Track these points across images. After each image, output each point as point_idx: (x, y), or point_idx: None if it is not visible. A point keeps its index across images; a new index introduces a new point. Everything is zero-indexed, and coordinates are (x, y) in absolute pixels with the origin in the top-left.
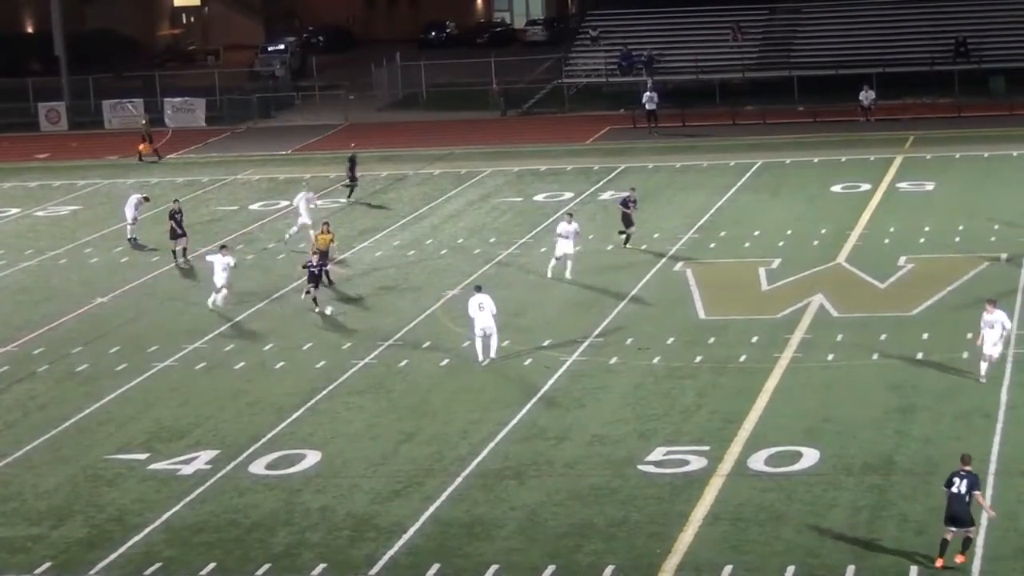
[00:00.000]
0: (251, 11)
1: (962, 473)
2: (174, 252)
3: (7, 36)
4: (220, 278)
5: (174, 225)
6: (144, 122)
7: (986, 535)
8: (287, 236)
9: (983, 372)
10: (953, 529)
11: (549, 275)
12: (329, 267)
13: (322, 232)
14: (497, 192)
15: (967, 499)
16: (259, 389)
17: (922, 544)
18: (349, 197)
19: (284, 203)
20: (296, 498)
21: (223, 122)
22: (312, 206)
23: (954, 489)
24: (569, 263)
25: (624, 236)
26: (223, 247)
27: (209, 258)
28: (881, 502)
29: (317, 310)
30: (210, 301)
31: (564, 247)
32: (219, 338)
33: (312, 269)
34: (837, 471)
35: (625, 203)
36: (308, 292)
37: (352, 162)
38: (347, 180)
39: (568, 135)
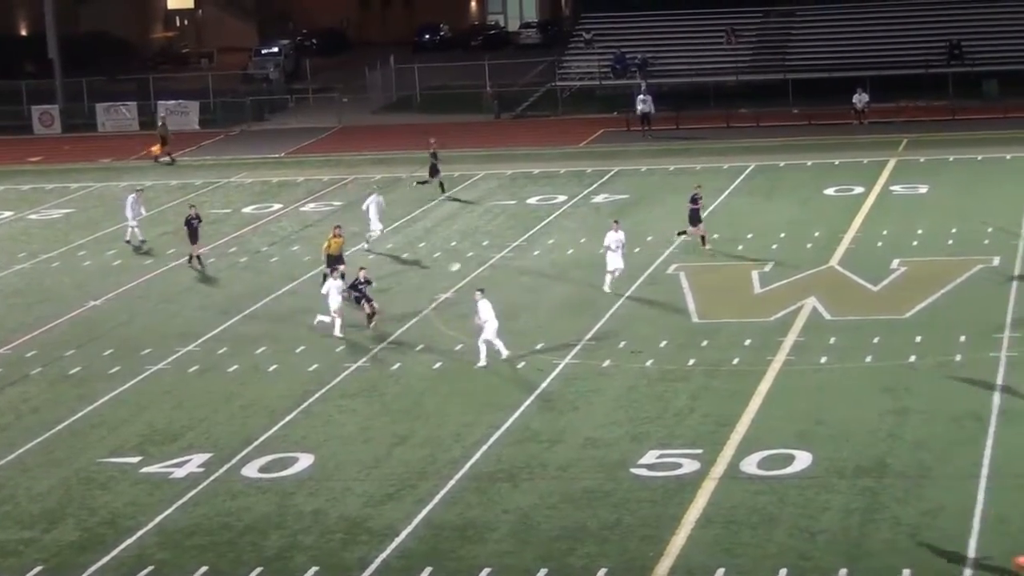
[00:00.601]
0: (245, 14)
1: None
2: (193, 256)
3: (0, 38)
4: (335, 301)
5: (189, 231)
6: (161, 123)
7: (978, 539)
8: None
9: None
10: None
11: (607, 289)
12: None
13: (334, 236)
14: (490, 195)
15: None
16: (252, 392)
17: (915, 547)
18: (443, 191)
19: (277, 206)
20: (289, 501)
21: (216, 125)
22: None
23: None
24: (615, 275)
25: (701, 237)
26: (334, 269)
27: (324, 290)
28: (874, 505)
29: (371, 326)
30: (336, 333)
31: (615, 261)
32: (212, 341)
33: (361, 287)
34: (830, 474)
35: (694, 200)
36: (364, 309)
37: (435, 158)
38: (428, 177)
39: (562, 138)
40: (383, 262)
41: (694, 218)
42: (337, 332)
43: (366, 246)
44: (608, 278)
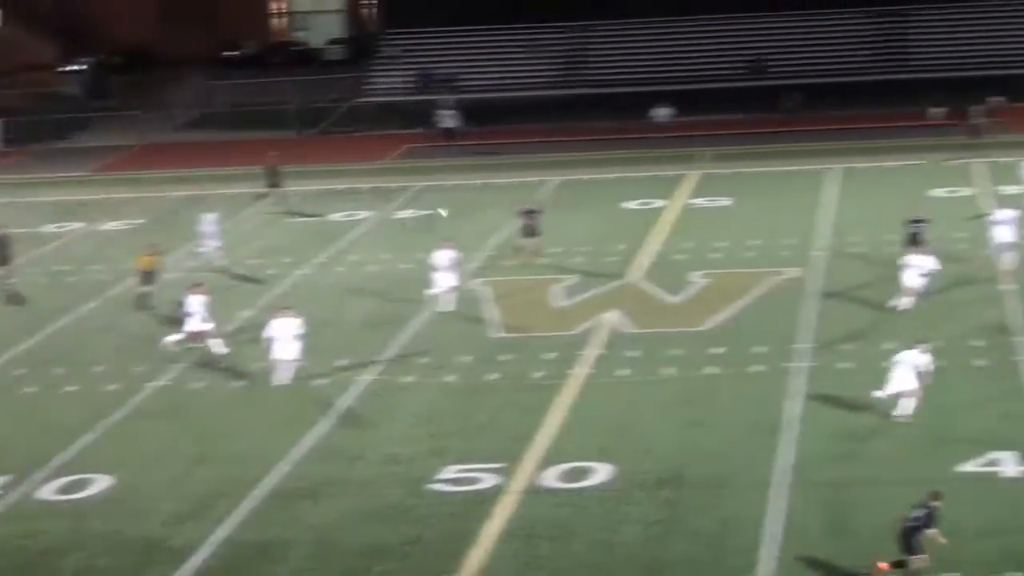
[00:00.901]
0: (47, 31)
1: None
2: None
3: None
4: (196, 322)
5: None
6: None
7: (776, 548)
8: (204, 255)
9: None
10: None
11: (446, 309)
12: (153, 290)
13: (147, 253)
14: (294, 211)
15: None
16: (50, 413)
17: (713, 558)
18: (272, 206)
19: (78, 225)
20: (87, 522)
21: (17, 144)
22: (214, 228)
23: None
24: (450, 296)
25: (524, 250)
26: (197, 285)
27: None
28: (672, 516)
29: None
30: (171, 339)
31: (445, 280)
32: (9, 362)
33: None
34: (630, 486)
35: (528, 214)
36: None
37: (272, 173)
38: (266, 190)
39: (367, 154)
40: (185, 280)
41: (529, 231)
42: (216, 349)
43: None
44: (441, 297)
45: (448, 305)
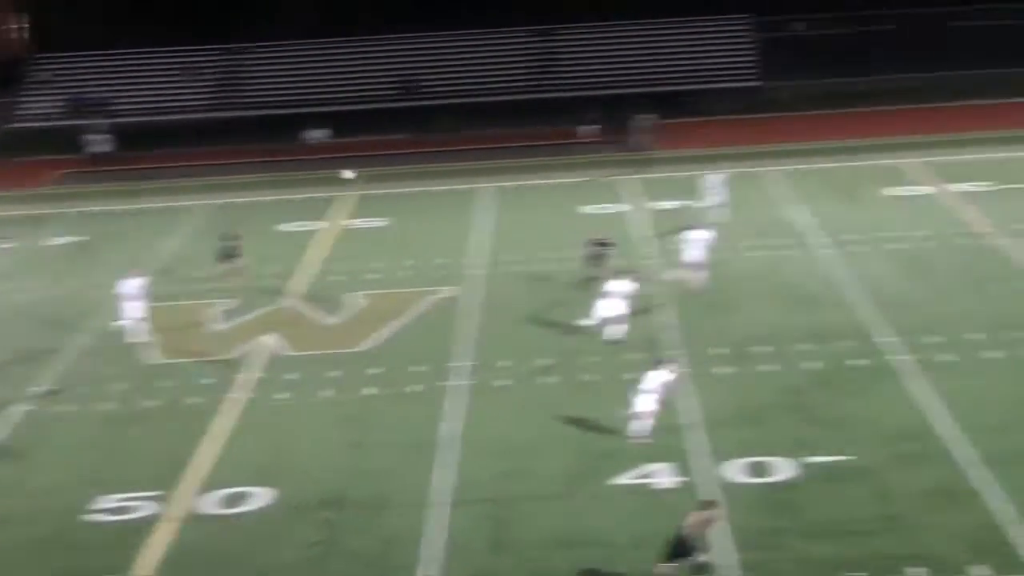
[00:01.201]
0: None
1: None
2: None
3: None
4: None
5: None
6: None
7: (444, 566)
8: None
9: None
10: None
11: (142, 339)
12: None
13: None
14: None
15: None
16: None
17: None
18: None
19: None
20: None
21: None
22: None
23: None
24: (144, 324)
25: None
26: None
27: None
28: (333, 538)
29: None
30: None
31: (133, 310)
32: None
33: None
34: (291, 509)
35: (224, 238)
36: None
37: None
38: None
39: (19, 181)
40: None
41: (226, 254)
42: None
43: None
44: (131, 327)
45: (141, 335)
